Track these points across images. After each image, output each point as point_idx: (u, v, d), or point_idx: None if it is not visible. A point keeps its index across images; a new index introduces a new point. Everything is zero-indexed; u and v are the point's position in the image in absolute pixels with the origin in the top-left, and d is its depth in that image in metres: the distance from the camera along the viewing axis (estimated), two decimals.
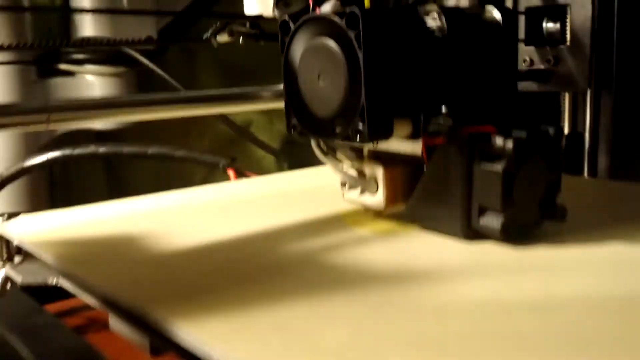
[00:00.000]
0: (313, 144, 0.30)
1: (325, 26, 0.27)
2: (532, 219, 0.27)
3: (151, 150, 0.54)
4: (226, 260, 0.27)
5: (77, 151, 0.46)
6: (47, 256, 0.28)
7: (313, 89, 0.28)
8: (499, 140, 0.25)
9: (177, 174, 0.70)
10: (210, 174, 0.70)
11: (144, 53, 0.67)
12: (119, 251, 0.29)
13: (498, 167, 0.25)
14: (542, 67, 0.45)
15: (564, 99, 0.47)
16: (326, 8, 0.29)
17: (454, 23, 0.27)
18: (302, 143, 0.31)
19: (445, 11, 0.28)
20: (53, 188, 0.68)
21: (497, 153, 0.25)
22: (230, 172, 0.50)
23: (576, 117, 0.47)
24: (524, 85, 0.45)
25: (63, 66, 0.67)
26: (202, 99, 0.31)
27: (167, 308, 0.21)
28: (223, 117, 0.61)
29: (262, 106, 0.32)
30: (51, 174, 0.68)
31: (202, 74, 0.77)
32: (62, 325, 0.26)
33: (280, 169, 0.73)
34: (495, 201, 0.26)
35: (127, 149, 0.53)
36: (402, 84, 0.27)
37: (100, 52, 0.68)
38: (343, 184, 0.31)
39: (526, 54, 0.45)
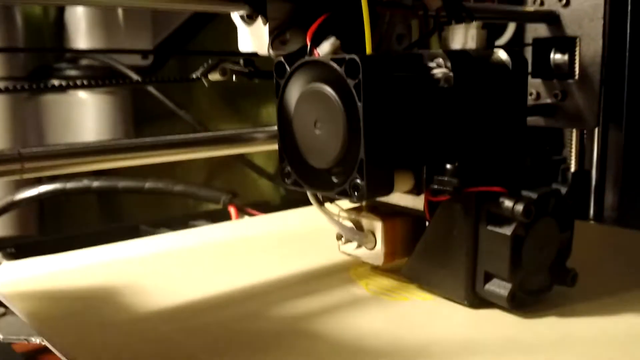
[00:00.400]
0: (309, 193, 0.28)
1: (323, 71, 0.25)
2: (541, 284, 0.25)
3: (148, 185, 0.52)
4: (213, 324, 0.25)
5: (70, 185, 0.44)
6: (19, 312, 0.26)
7: (309, 136, 0.26)
8: (508, 202, 0.23)
9: (177, 199, 0.68)
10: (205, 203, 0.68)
11: (139, 69, 0.65)
12: (92, 311, 0.26)
13: (506, 230, 0.23)
14: (549, 101, 0.43)
15: (571, 135, 0.45)
16: (324, 48, 0.27)
17: (461, 69, 0.25)
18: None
19: (451, 56, 0.26)
20: (43, 213, 0.66)
21: (505, 215, 0.24)
22: (232, 210, 0.48)
23: (583, 154, 0.45)
24: (530, 120, 0.43)
25: (55, 82, 0.65)
26: (191, 142, 0.29)
27: None
28: None
29: (256, 149, 0.30)
30: (41, 204, 0.66)
31: (197, 91, 0.75)
32: None
33: (276, 191, 0.71)
34: (503, 267, 0.24)
35: (122, 183, 0.51)
36: (404, 137, 0.25)
37: (93, 68, 0.66)
38: (339, 237, 0.29)
39: (533, 87, 0.43)
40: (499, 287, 0.24)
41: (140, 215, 0.71)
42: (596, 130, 0.45)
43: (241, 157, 0.64)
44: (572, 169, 0.45)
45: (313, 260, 0.31)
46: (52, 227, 0.67)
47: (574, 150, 0.45)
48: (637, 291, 0.27)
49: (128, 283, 0.29)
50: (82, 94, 0.67)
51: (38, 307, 0.27)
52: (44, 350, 0.25)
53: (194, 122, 0.62)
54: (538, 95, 0.43)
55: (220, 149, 0.29)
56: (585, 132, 0.45)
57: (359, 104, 0.24)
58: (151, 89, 0.64)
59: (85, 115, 0.67)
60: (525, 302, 0.24)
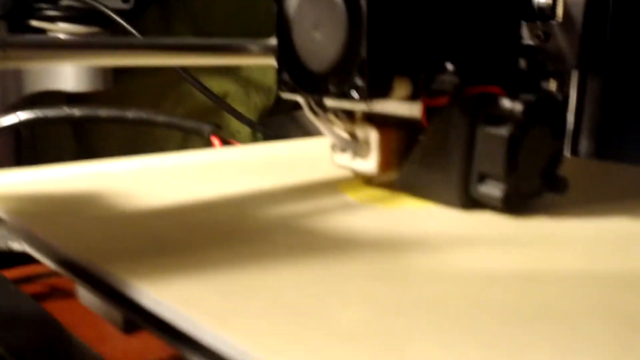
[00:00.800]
0: (303, 103, 0.28)
1: None
2: (533, 189, 0.26)
3: (131, 114, 0.51)
4: (203, 221, 0.25)
5: (51, 113, 0.43)
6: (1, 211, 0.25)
7: (308, 41, 0.26)
8: (506, 103, 0.24)
9: (151, 142, 0.67)
10: (186, 143, 0.68)
11: (119, 13, 0.63)
12: (81, 208, 0.26)
13: (504, 131, 0.24)
14: (531, 43, 0.44)
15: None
16: None
17: None
18: (279, 119, 0.29)
19: None
20: (19, 151, 0.64)
21: (503, 116, 0.24)
22: (215, 140, 0.48)
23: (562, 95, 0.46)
24: None
25: (35, 23, 0.63)
26: (181, 47, 0.28)
27: (132, 269, 0.19)
28: (201, 85, 0.58)
29: (250, 61, 0.30)
30: (18, 138, 0.65)
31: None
32: (18, 292, 0.24)
33: (255, 140, 0.71)
34: (498, 168, 0.24)
35: (104, 112, 0.50)
36: (406, 37, 0.25)
37: (74, 9, 0.64)
38: (333, 147, 0.29)
39: None
40: (493, 188, 0.25)
41: (118, 155, 0.69)
42: (575, 75, 0.46)
43: (224, 102, 0.63)
44: None
45: (302, 177, 0.32)
46: (29, 164, 0.65)
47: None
48: (625, 202, 0.28)
49: (117, 189, 0.29)
50: (63, 36, 0.65)
51: (21, 207, 0.26)
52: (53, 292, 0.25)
53: None
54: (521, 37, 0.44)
55: (213, 56, 0.29)
56: (564, 75, 0.46)
57: (363, 2, 0.24)
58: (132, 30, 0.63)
59: None
60: (517, 204, 0.25)
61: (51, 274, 0.26)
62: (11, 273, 0.27)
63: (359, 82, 0.24)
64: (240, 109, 0.71)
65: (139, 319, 0.18)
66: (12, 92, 0.62)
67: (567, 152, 0.45)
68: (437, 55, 0.25)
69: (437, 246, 0.22)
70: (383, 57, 0.24)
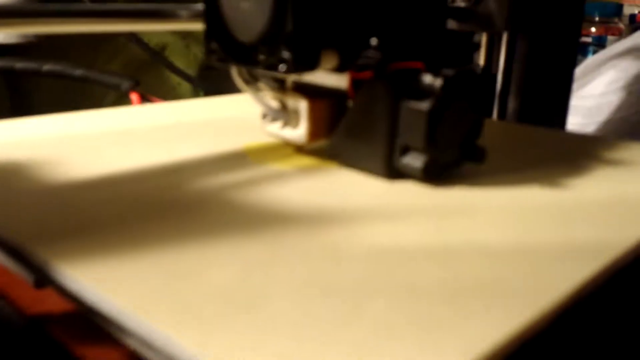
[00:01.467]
0: (234, 71, 0.28)
1: None
2: (452, 159, 0.27)
3: (46, 67, 0.50)
4: (121, 194, 0.25)
5: None
6: None
7: (236, 10, 0.26)
8: (427, 78, 0.25)
9: (88, 94, 0.65)
10: (122, 97, 0.66)
11: None
12: (8, 180, 0.26)
13: (424, 105, 0.25)
14: (462, 4, 0.45)
15: (481, 40, 0.48)
16: None
17: None
18: (221, 70, 0.29)
19: None
20: None
21: (424, 91, 0.25)
22: (133, 96, 0.47)
23: (491, 58, 0.48)
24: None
25: None
26: (108, 13, 0.28)
27: (47, 245, 0.19)
28: (136, 38, 0.56)
29: (179, 26, 0.30)
30: None
31: None
32: None
33: (196, 96, 0.70)
34: (419, 140, 0.25)
35: (20, 64, 0.48)
36: (332, 11, 0.25)
37: None
38: (264, 116, 0.30)
39: None
40: (414, 160, 0.26)
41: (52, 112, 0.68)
42: (504, 37, 0.47)
43: (160, 56, 0.62)
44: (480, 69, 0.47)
45: (231, 142, 0.32)
46: None
47: (482, 54, 0.47)
48: (540, 172, 0.29)
49: (37, 159, 0.29)
50: None
51: None
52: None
53: None
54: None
55: (142, 22, 0.28)
56: (494, 38, 0.47)
57: None
58: None
59: None
60: (437, 174, 0.26)
61: None
62: None
63: (286, 55, 0.25)
64: (180, 61, 0.70)
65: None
66: None
67: (494, 115, 0.47)
68: (363, 29, 0.26)
69: (355, 218, 0.23)
70: (309, 30, 0.25)
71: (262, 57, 0.26)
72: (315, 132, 0.29)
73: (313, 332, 0.15)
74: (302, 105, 0.28)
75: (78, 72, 0.50)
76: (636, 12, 1.11)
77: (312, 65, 0.26)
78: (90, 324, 0.17)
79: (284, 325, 0.15)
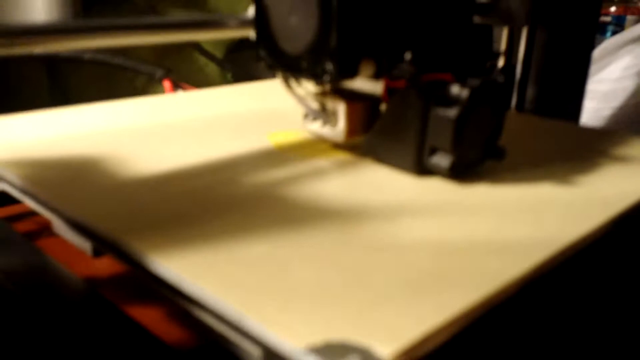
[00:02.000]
0: (279, 76, 0.31)
1: None
2: (476, 158, 0.30)
3: (88, 55, 0.53)
4: (185, 189, 0.28)
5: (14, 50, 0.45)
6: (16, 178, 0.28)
7: (283, 24, 0.29)
8: (455, 89, 0.28)
9: (120, 78, 0.69)
10: (150, 80, 0.69)
11: None
12: (80, 175, 0.30)
13: (452, 113, 0.28)
14: (484, 1, 0.47)
15: (502, 33, 0.50)
16: None
17: None
18: (247, 54, 0.32)
19: None
20: None
21: (451, 100, 0.28)
22: (166, 83, 0.50)
23: (512, 50, 0.50)
24: None
25: None
26: (162, 26, 0.31)
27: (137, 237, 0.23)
28: None
29: (228, 34, 0.33)
30: None
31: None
32: (11, 231, 0.28)
33: (223, 78, 0.73)
34: (446, 143, 0.29)
35: (63, 53, 0.52)
36: (371, 28, 0.28)
37: None
38: (305, 116, 0.33)
39: None
40: (441, 159, 0.29)
41: (88, 96, 0.71)
42: (524, 29, 0.50)
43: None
44: (501, 64, 0.50)
45: (265, 138, 0.35)
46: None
47: (503, 47, 0.50)
48: (557, 166, 0.32)
49: (99, 153, 0.32)
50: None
51: (32, 172, 0.29)
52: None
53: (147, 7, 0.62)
54: None
55: (193, 33, 0.31)
56: (514, 30, 0.50)
57: None
58: None
59: None
60: (462, 172, 0.30)
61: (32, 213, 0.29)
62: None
63: (329, 66, 0.28)
64: (207, 44, 0.72)
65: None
66: None
67: (513, 105, 0.50)
68: (399, 44, 0.29)
69: (387, 211, 0.26)
70: (351, 45, 0.28)
71: (306, 67, 0.29)
72: (351, 130, 0.32)
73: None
74: (340, 107, 0.32)
75: (117, 60, 0.54)
76: None
77: (351, 75, 0.29)
78: (137, 288, 0.22)
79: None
